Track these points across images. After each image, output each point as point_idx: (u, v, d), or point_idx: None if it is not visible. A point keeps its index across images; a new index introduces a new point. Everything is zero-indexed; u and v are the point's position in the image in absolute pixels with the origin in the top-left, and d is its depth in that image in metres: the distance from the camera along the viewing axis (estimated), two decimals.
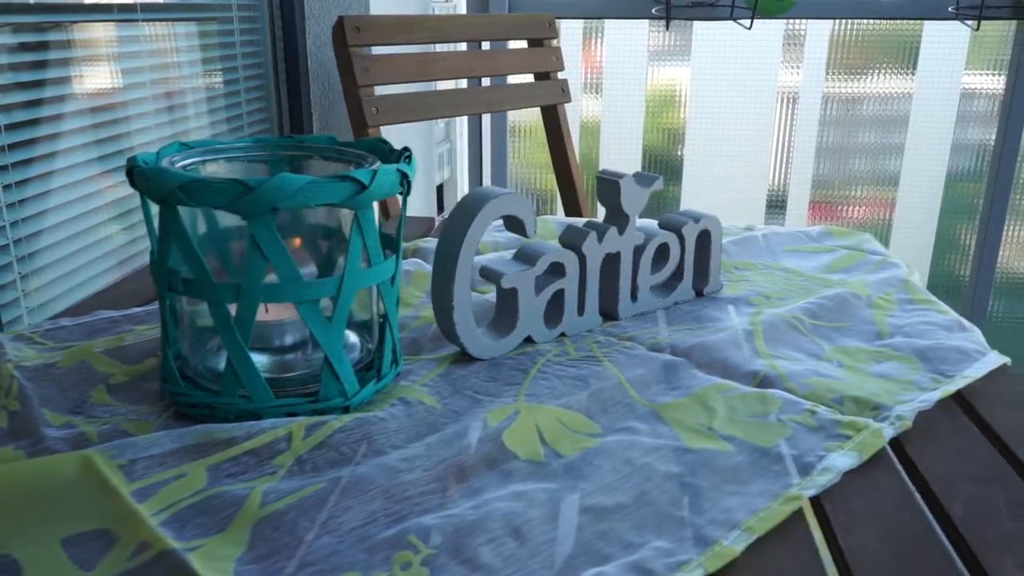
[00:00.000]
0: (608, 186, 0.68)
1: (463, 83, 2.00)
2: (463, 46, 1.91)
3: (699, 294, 0.77)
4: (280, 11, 1.73)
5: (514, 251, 0.66)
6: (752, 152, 2.30)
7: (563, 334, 0.67)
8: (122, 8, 1.24)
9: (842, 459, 0.49)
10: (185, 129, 1.40)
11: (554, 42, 1.71)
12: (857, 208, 2.30)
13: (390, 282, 0.56)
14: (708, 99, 2.26)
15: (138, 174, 0.50)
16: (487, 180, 2.33)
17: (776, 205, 2.33)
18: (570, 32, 2.25)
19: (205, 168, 0.57)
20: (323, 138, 0.62)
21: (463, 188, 2.32)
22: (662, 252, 0.73)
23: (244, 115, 1.63)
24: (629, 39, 2.26)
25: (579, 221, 0.74)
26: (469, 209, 0.60)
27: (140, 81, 1.25)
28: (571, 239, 0.67)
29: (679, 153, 2.32)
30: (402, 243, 0.57)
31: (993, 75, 2.15)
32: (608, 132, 2.32)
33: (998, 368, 0.62)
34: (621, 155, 2.31)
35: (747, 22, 2.08)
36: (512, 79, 1.77)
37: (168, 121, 1.34)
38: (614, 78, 2.28)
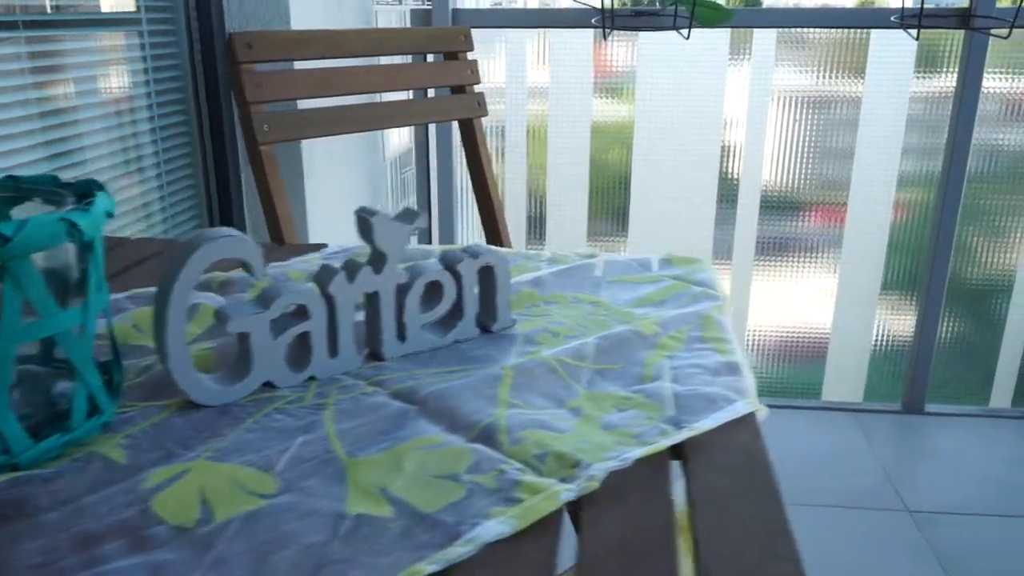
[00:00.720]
0: (363, 224, 0.66)
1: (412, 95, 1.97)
2: (405, 59, 1.89)
3: (487, 331, 0.74)
4: (198, 23, 1.72)
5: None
6: (700, 159, 2.27)
7: (313, 377, 0.65)
8: (3, 25, 1.23)
9: (497, 527, 0.46)
10: (81, 146, 1.39)
11: (469, 55, 1.69)
12: (809, 210, 2.27)
13: (77, 332, 0.54)
14: (655, 105, 2.23)
15: None
16: (434, 194, 2.29)
17: (726, 211, 2.30)
18: (515, 42, 2.23)
19: None
20: (45, 178, 0.60)
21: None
22: (438, 289, 0.71)
23: (157, 129, 1.61)
24: (574, 47, 2.24)
25: (348, 255, 0.72)
26: (182, 253, 0.58)
27: (26, 98, 1.23)
28: (319, 280, 0.65)
29: (627, 160, 2.29)
30: (93, 292, 0.55)
31: (943, 78, 2.12)
32: (555, 139, 2.30)
33: (743, 417, 0.59)
34: (568, 161, 2.29)
35: (686, 32, 2.04)
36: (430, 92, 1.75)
37: (60, 138, 1.32)
38: (560, 86, 2.25)
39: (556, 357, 0.67)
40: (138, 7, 1.56)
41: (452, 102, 1.66)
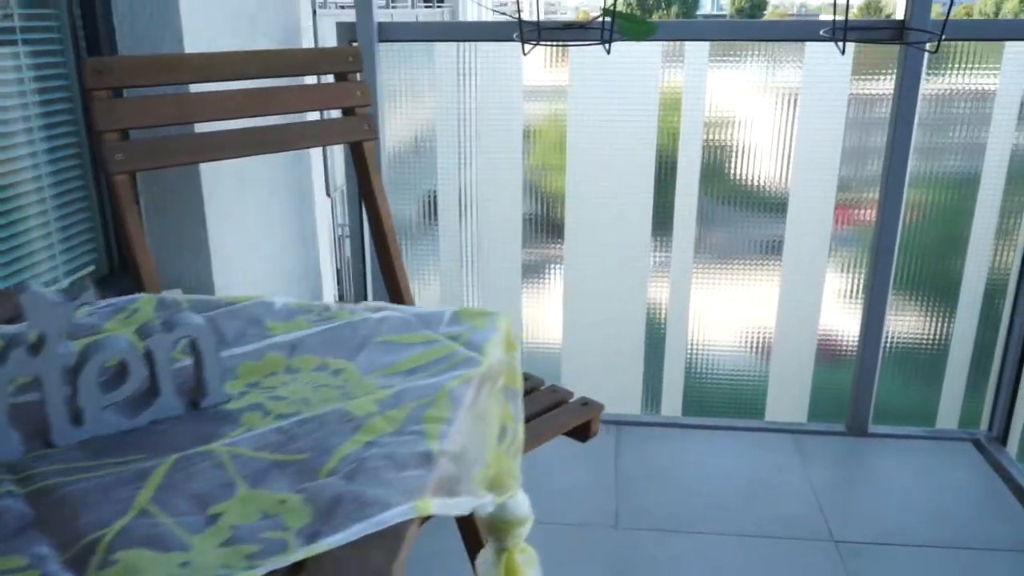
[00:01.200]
0: (18, 304, 0.60)
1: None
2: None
3: (198, 407, 0.68)
4: (86, 44, 1.67)
5: None
6: (636, 166, 2.20)
7: None
8: None
9: None
10: None
11: (358, 75, 1.63)
12: (749, 219, 2.21)
13: None
14: (589, 113, 2.17)
15: None
16: (366, 221, 2.21)
17: (662, 224, 2.23)
18: (444, 56, 2.18)
19: None
20: None
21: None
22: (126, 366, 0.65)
23: (40, 152, 1.56)
24: (506, 59, 2.19)
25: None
26: None
27: None
28: None
29: (560, 176, 2.24)
30: None
31: (880, 82, 2.06)
32: (486, 157, 2.24)
33: (396, 527, 0.53)
34: (502, 175, 2.24)
35: (608, 46, 1.98)
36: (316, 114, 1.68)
37: None
38: (491, 98, 2.20)
39: (231, 448, 0.61)
40: (12, 26, 1.50)
41: (339, 124, 1.60)
